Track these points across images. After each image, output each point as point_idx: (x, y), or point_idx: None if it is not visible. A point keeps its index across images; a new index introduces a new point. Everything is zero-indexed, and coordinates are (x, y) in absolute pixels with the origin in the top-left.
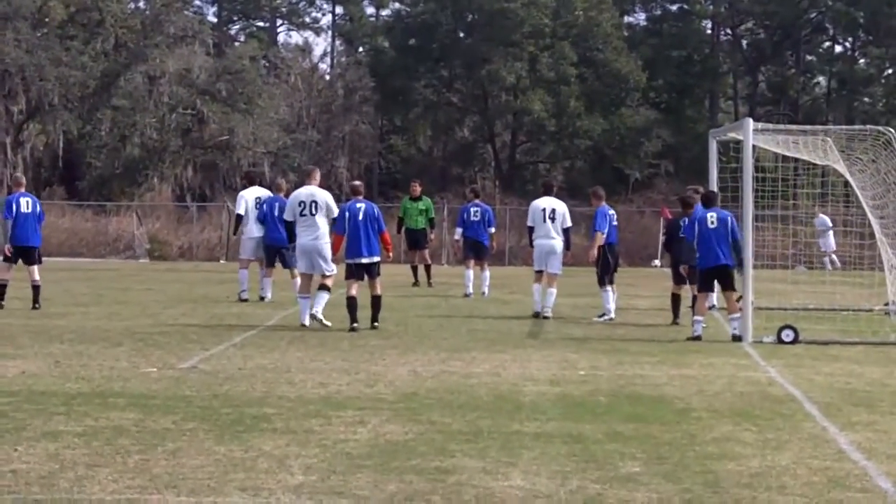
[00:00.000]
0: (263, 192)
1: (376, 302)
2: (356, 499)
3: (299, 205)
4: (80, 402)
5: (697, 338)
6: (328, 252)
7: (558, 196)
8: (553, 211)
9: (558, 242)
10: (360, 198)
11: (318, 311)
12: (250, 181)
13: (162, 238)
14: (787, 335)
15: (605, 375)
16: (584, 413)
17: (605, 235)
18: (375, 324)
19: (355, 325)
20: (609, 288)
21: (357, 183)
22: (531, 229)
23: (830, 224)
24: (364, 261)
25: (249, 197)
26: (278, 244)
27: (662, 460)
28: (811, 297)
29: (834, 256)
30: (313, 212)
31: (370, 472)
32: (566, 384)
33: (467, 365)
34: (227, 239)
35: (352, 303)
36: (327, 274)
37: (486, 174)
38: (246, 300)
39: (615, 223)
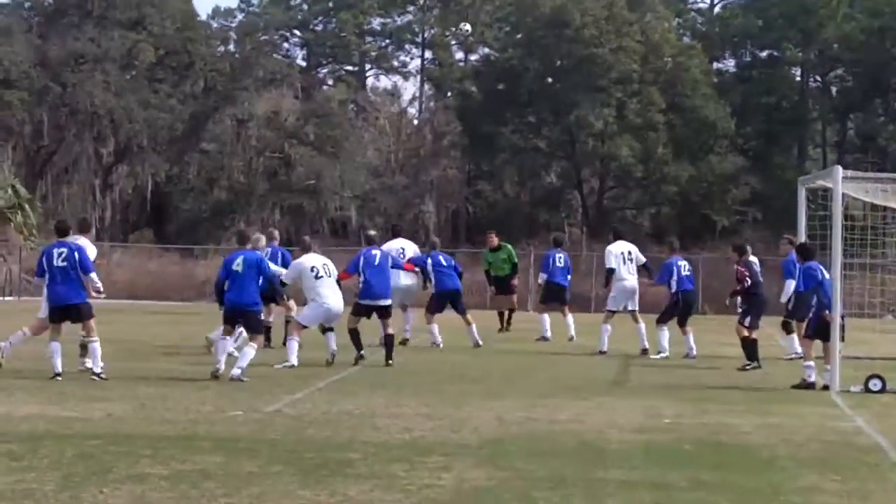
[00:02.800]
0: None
1: (391, 340)
2: None
3: (311, 269)
4: (166, 444)
5: (811, 385)
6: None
7: (638, 242)
8: (630, 253)
9: (635, 281)
10: (376, 245)
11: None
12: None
13: None
14: (875, 384)
15: (691, 423)
16: (668, 461)
17: (667, 286)
18: (391, 361)
19: (362, 352)
20: (664, 328)
21: (372, 233)
22: (611, 271)
23: None
24: (383, 303)
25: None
26: None
27: None
28: None
29: None
30: (330, 274)
31: None
32: (651, 432)
33: (552, 412)
34: None
35: (356, 335)
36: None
37: (573, 220)
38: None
39: (686, 273)
